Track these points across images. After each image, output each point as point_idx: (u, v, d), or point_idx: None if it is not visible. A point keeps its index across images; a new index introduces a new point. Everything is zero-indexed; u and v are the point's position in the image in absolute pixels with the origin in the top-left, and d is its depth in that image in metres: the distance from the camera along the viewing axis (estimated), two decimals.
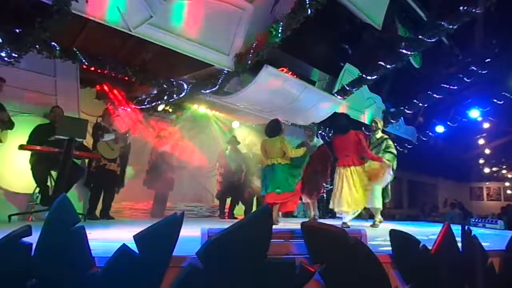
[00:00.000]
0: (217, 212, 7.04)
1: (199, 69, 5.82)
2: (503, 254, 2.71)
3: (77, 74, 5.53)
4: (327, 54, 7.64)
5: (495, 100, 9.54)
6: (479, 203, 16.07)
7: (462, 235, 2.54)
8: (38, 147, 4.41)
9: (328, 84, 7.92)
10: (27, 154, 4.55)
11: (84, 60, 5.11)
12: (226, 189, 6.73)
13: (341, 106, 7.58)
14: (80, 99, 5.64)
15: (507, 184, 15.77)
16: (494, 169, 15.06)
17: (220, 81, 5.73)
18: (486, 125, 11.30)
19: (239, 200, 6.79)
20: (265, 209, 2.03)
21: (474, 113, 10.16)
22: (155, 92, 6.55)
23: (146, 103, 6.69)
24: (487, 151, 13.61)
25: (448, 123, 10.72)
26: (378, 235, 3.50)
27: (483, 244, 2.62)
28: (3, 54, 4.21)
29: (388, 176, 4.97)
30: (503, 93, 9.30)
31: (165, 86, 6.02)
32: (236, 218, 6.33)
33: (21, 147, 4.35)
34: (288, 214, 7.80)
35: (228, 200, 6.81)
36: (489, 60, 8.06)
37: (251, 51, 5.28)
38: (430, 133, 10.93)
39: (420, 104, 9.25)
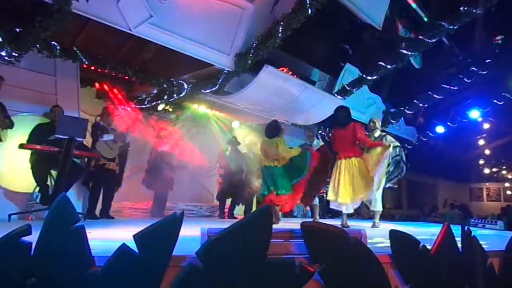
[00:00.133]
0: (217, 212, 7.04)
1: (199, 69, 5.82)
2: (503, 255, 2.71)
3: (77, 73, 5.53)
4: (328, 54, 7.65)
5: (495, 101, 9.55)
6: (479, 203, 16.07)
7: (462, 236, 2.54)
8: (38, 146, 4.41)
9: (328, 84, 7.93)
10: (27, 153, 4.55)
11: (84, 60, 5.11)
12: (226, 189, 6.73)
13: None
14: (80, 98, 5.64)
15: (507, 184, 15.77)
16: (494, 169, 15.05)
17: (220, 80, 5.73)
18: (486, 126, 11.30)
19: (239, 201, 6.79)
20: (265, 209, 2.03)
21: (474, 114, 10.16)
22: (155, 91, 6.56)
23: (146, 103, 6.69)
24: (487, 151, 13.61)
25: (448, 123, 10.73)
26: (378, 235, 3.50)
27: (483, 244, 2.62)
28: (3, 53, 4.21)
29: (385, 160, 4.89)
30: (503, 93, 9.30)
31: (165, 86, 6.02)
32: (236, 218, 6.33)
33: (21, 146, 4.35)
34: (288, 214, 7.81)
35: (228, 200, 6.81)
36: (489, 60, 8.07)
37: (251, 50, 5.28)
38: (430, 134, 10.94)
39: (420, 105, 9.25)
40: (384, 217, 5.37)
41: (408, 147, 10.52)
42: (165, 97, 6.40)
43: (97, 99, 6.53)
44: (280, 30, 4.99)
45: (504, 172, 15.11)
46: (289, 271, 1.89)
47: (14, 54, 4.24)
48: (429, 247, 2.35)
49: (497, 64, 8.04)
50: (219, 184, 7.02)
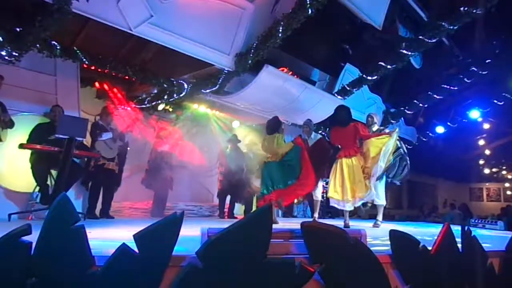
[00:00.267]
0: (217, 212, 7.04)
1: (200, 69, 5.82)
2: (503, 255, 2.71)
3: (77, 73, 5.53)
4: (328, 54, 7.65)
5: (495, 101, 9.55)
6: (479, 204, 16.07)
7: (462, 236, 2.54)
8: (38, 146, 4.41)
9: (328, 84, 7.93)
10: (27, 153, 4.55)
11: (84, 59, 5.11)
12: (227, 187, 6.73)
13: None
14: (80, 98, 5.64)
15: (507, 185, 15.76)
16: (494, 170, 15.05)
17: (220, 80, 5.73)
18: (486, 126, 11.30)
19: (238, 199, 6.78)
20: (265, 209, 2.03)
21: (474, 114, 10.16)
22: (155, 91, 6.56)
23: (146, 103, 6.69)
24: (487, 152, 13.60)
25: (448, 123, 10.72)
26: (378, 235, 3.50)
27: (483, 244, 2.62)
28: (3, 53, 4.21)
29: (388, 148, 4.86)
30: (504, 94, 9.30)
31: (165, 86, 6.02)
32: (235, 217, 6.33)
33: (21, 146, 4.35)
34: (288, 214, 7.82)
35: (228, 200, 6.81)
36: (489, 60, 8.07)
37: (252, 50, 5.28)
38: (430, 134, 10.93)
39: (420, 105, 9.25)
40: (384, 217, 5.35)
41: (408, 147, 10.51)
42: (165, 97, 6.40)
43: (97, 99, 6.54)
44: (280, 30, 4.99)
45: (504, 172, 15.11)
46: (289, 271, 1.89)
47: (14, 53, 4.25)
48: (429, 247, 2.35)
49: (497, 64, 8.03)
50: (219, 182, 7.02)
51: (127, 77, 5.69)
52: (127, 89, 6.65)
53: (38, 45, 4.46)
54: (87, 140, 5.11)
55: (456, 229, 2.55)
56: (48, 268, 1.56)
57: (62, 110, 4.94)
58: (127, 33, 4.55)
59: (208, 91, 5.99)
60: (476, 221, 6.02)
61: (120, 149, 5.47)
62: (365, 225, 4.93)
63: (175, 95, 6.20)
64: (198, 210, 7.32)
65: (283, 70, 6.63)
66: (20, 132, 4.57)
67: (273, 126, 5.15)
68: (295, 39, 5.41)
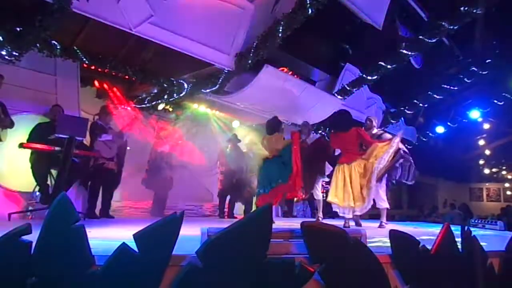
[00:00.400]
0: (217, 211, 7.04)
1: (200, 69, 5.82)
2: (503, 255, 2.71)
3: (77, 72, 5.53)
4: (328, 54, 7.66)
5: (495, 101, 9.55)
6: (479, 204, 16.07)
7: (461, 236, 2.54)
8: (38, 146, 4.41)
9: (328, 84, 7.92)
10: (27, 152, 4.54)
11: (84, 59, 5.11)
12: (227, 187, 6.73)
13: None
14: (80, 97, 5.64)
15: (507, 185, 15.77)
16: (494, 170, 15.05)
17: (220, 80, 5.73)
18: (486, 126, 11.30)
19: (238, 199, 6.78)
20: (265, 209, 2.03)
21: (475, 114, 10.16)
22: (155, 91, 6.55)
23: (146, 102, 6.69)
24: (487, 152, 13.60)
25: (448, 123, 10.72)
26: (378, 235, 3.50)
27: (483, 244, 2.62)
28: (3, 53, 4.21)
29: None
30: (504, 94, 9.30)
31: (165, 85, 6.02)
32: (235, 217, 6.33)
33: (21, 145, 4.35)
34: (288, 214, 7.82)
35: (228, 200, 6.81)
36: (489, 60, 8.07)
37: (252, 50, 5.28)
38: (430, 134, 10.93)
39: (420, 105, 9.25)
40: (385, 216, 5.35)
41: (408, 147, 10.51)
42: (165, 97, 6.40)
43: (97, 98, 6.53)
44: (280, 30, 4.99)
45: (504, 172, 15.11)
46: (289, 271, 1.89)
47: (14, 53, 4.25)
48: (429, 247, 2.35)
49: (497, 64, 8.03)
50: (219, 182, 7.02)
51: (127, 77, 5.69)
52: (127, 88, 6.65)
53: (38, 45, 4.46)
54: (87, 140, 5.11)
55: (456, 229, 2.55)
56: (48, 268, 1.56)
57: (62, 109, 4.94)
58: (127, 33, 4.55)
59: (208, 91, 5.99)
60: (476, 221, 6.01)
61: (119, 149, 5.47)
62: (365, 225, 4.93)
63: (175, 94, 6.20)
64: (198, 210, 7.32)
65: (283, 70, 6.64)
66: (20, 131, 4.57)
67: (273, 126, 5.15)
68: (295, 39, 5.41)
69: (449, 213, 11.76)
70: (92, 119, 5.53)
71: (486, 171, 15.01)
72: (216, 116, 8.01)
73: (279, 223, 4.84)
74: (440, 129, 10.77)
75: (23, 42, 4.19)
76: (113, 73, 5.60)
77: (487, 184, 16.19)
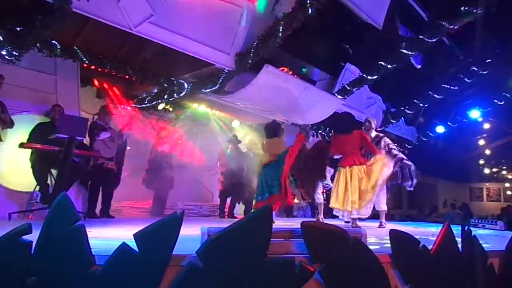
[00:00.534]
0: (217, 211, 7.05)
1: (200, 68, 5.82)
2: (503, 255, 2.70)
3: (77, 72, 5.53)
4: (328, 54, 7.65)
5: (495, 101, 9.55)
6: (479, 203, 16.08)
7: (462, 236, 2.54)
8: (38, 146, 4.41)
9: (328, 84, 7.92)
10: (27, 152, 4.55)
11: (84, 59, 5.11)
12: (228, 188, 6.73)
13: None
14: (81, 97, 5.64)
15: (507, 185, 15.77)
16: (494, 170, 15.06)
17: (220, 80, 5.73)
18: (486, 126, 11.30)
19: (239, 200, 6.79)
20: (266, 209, 2.03)
21: (475, 114, 10.16)
22: (156, 91, 6.56)
23: (146, 102, 6.69)
24: (487, 151, 13.60)
25: (449, 123, 10.73)
26: (378, 235, 3.50)
27: (483, 244, 2.61)
28: (3, 53, 4.21)
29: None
30: (504, 93, 9.30)
31: (166, 85, 6.02)
32: (236, 217, 6.34)
33: (21, 145, 4.35)
34: (289, 214, 7.82)
35: (229, 200, 6.81)
36: (489, 60, 8.06)
37: (252, 50, 5.28)
38: (430, 134, 10.94)
39: (421, 104, 9.26)
40: (385, 217, 5.35)
41: (408, 147, 10.53)
42: (165, 97, 6.40)
43: (98, 98, 6.54)
44: (280, 30, 4.98)
45: (504, 172, 15.12)
46: (289, 271, 1.89)
47: (14, 53, 4.24)
48: (429, 247, 2.35)
49: (497, 64, 8.03)
50: (220, 182, 7.03)
51: (127, 77, 5.69)
52: (127, 88, 6.65)
53: (38, 45, 4.46)
54: (86, 140, 5.12)
55: (456, 229, 2.55)
56: (48, 267, 1.56)
57: (62, 109, 4.94)
58: (127, 33, 4.55)
59: (208, 90, 5.99)
60: (476, 221, 6.02)
61: (118, 148, 5.47)
62: (365, 225, 4.93)
63: (175, 94, 6.20)
64: (198, 210, 7.32)
65: (283, 69, 6.63)
66: (20, 131, 4.57)
67: (273, 129, 5.13)
68: (295, 39, 5.41)
69: (449, 213, 11.76)
70: (91, 118, 5.53)
71: (486, 171, 15.01)
72: (216, 116, 8.02)
73: (279, 223, 4.85)
74: (440, 129, 10.77)
75: (23, 42, 4.18)
76: (113, 73, 5.60)
77: (487, 184, 16.20)
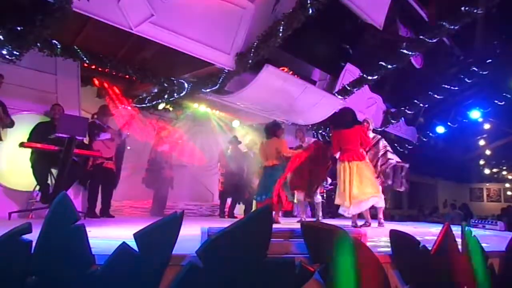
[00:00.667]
0: (217, 211, 7.05)
1: (200, 68, 5.82)
2: (503, 255, 2.71)
3: (78, 72, 5.54)
4: (328, 54, 7.65)
5: (496, 101, 9.54)
6: (479, 204, 16.08)
7: (462, 236, 2.54)
8: (38, 145, 4.42)
9: (329, 84, 7.92)
10: (27, 151, 4.55)
11: (84, 58, 5.11)
12: (228, 188, 6.73)
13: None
14: (81, 97, 5.64)
15: (507, 185, 15.77)
16: (494, 170, 15.05)
17: (220, 80, 5.72)
18: (486, 126, 11.30)
19: (239, 200, 6.79)
20: (266, 208, 2.03)
21: (475, 114, 10.16)
22: (156, 90, 6.56)
23: (146, 102, 6.69)
24: (488, 152, 13.60)
25: (449, 123, 10.73)
26: (378, 235, 3.50)
27: (483, 245, 2.61)
28: (4, 52, 4.20)
29: None
30: (504, 94, 9.30)
31: (166, 85, 6.02)
32: (236, 217, 6.34)
33: (22, 145, 4.36)
34: (288, 214, 7.82)
35: (229, 200, 6.81)
36: (490, 60, 8.06)
37: (252, 50, 5.28)
38: (430, 134, 10.94)
39: (421, 105, 9.25)
40: (384, 217, 5.35)
41: (409, 147, 10.53)
42: (166, 96, 6.39)
43: (98, 98, 6.54)
44: (280, 30, 4.98)
45: (504, 172, 15.11)
46: (289, 271, 1.89)
47: (15, 52, 4.24)
48: (429, 247, 2.35)
49: (498, 64, 8.03)
50: (220, 183, 7.04)
51: (127, 76, 5.69)
52: (127, 88, 6.65)
53: (38, 44, 4.45)
54: (85, 139, 5.12)
55: (456, 229, 2.55)
56: (48, 267, 1.56)
57: (62, 109, 4.94)
58: (128, 32, 4.55)
59: (208, 90, 5.98)
60: (476, 221, 6.02)
61: (118, 148, 5.47)
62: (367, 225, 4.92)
63: (175, 94, 6.20)
64: (198, 210, 7.33)
65: (283, 69, 6.63)
66: (21, 131, 4.57)
67: (273, 129, 5.16)
68: (295, 39, 5.41)
69: (450, 213, 11.76)
70: (90, 118, 5.53)
71: (487, 171, 15.01)
72: (216, 116, 8.02)
73: (279, 223, 4.85)
74: (440, 129, 10.77)
75: (24, 41, 4.18)
76: (113, 73, 5.60)
77: (487, 184, 16.20)
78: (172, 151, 6.57)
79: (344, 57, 7.88)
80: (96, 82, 6.31)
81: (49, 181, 4.60)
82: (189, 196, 7.49)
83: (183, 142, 7.13)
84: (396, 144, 10.33)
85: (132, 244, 1.67)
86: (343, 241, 2.08)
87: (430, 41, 6.22)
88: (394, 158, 5.32)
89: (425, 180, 14.84)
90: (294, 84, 6.49)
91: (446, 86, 8.59)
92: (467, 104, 10.27)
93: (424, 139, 10.90)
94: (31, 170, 4.54)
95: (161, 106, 6.88)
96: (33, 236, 1.56)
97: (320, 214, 5.68)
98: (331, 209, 7.70)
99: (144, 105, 6.75)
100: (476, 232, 2.99)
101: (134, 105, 6.70)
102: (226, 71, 5.59)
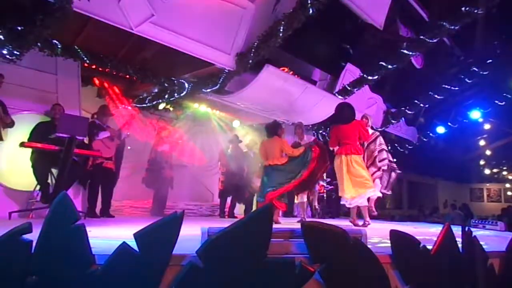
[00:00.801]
0: (217, 211, 7.05)
1: (200, 68, 5.82)
2: (503, 255, 2.71)
3: (78, 72, 5.53)
4: (328, 54, 7.64)
5: (496, 101, 9.54)
6: (479, 204, 16.08)
7: (462, 236, 2.54)
8: (39, 145, 4.42)
9: (329, 84, 7.92)
10: (28, 151, 4.55)
11: (85, 58, 5.11)
12: (228, 188, 6.73)
13: None
14: (81, 97, 5.64)
15: (507, 185, 15.77)
16: (494, 170, 15.06)
17: (221, 80, 5.73)
18: (487, 126, 11.30)
19: (239, 199, 6.79)
20: (266, 208, 2.03)
21: (475, 114, 10.16)
22: (156, 90, 6.56)
23: (147, 102, 6.69)
24: (488, 152, 13.60)
25: (449, 124, 10.72)
26: (378, 235, 3.50)
27: (483, 245, 2.61)
28: (4, 52, 4.21)
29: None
30: (504, 94, 9.29)
31: (166, 85, 6.02)
32: (236, 217, 6.34)
33: (22, 144, 4.36)
34: (288, 214, 7.82)
35: (229, 199, 6.81)
36: (490, 61, 8.05)
37: (252, 50, 5.28)
38: (430, 134, 10.93)
39: (421, 105, 9.24)
40: (384, 217, 5.37)
41: (409, 147, 10.53)
42: (166, 96, 6.40)
43: (98, 97, 6.54)
44: (281, 30, 4.98)
45: (504, 173, 15.11)
46: (289, 271, 1.89)
47: (15, 52, 4.24)
48: (429, 247, 2.35)
49: (498, 65, 8.02)
50: (220, 182, 7.05)
51: (127, 76, 5.69)
52: (127, 88, 6.65)
53: (39, 44, 4.46)
54: (85, 139, 5.12)
55: (457, 229, 2.55)
56: (49, 267, 1.56)
57: (63, 109, 4.94)
58: (128, 32, 4.55)
59: (208, 90, 5.98)
60: (476, 221, 6.02)
61: (117, 148, 5.47)
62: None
63: (175, 94, 6.20)
64: (198, 210, 7.33)
65: (283, 69, 6.63)
66: (21, 130, 4.57)
67: (273, 129, 5.17)
68: (296, 39, 5.41)
69: (450, 214, 11.76)
70: (90, 117, 5.53)
71: (487, 171, 15.01)
72: (216, 116, 8.02)
73: (279, 223, 4.85)
74: (440, 129, 10.77)
75: (24, 41, 4.18)
76: (114, 73, 5.60)
77: (487, 184, 16.20)
78: (172, 151, 6.57)
79: (345, 57, 7.88)
80: (97, 82, 6.32)
81: (49, 181, 4.60)
82: (189, 196, 7.49)
83: (183, 142, 7.13)
84: (396, 144, 10.34)
85: (132, 244, 1.67)
86: (343, 241, 2.08)
87: (430, 41, 6.21)
88: (387, 158, 5.36)
89: (425, 180, 14.84)
90: (295, 84, 6.49)
91: (446, 86, 8.58)
92: (468, 104, 10.26)
93: (424, 139, 10.90)
94: (32, 169, 4.54)
95: (161, 106, 6.88)
96: (33, 236, 1.56)
97: (305, 215, 5.70)
98: (331, 209, 7.72)
99: (145, 105, 6.75)
100: (476, 232, 2.99)
101: (135, 105, 6.70)
102: (227, 71, 5.59)
